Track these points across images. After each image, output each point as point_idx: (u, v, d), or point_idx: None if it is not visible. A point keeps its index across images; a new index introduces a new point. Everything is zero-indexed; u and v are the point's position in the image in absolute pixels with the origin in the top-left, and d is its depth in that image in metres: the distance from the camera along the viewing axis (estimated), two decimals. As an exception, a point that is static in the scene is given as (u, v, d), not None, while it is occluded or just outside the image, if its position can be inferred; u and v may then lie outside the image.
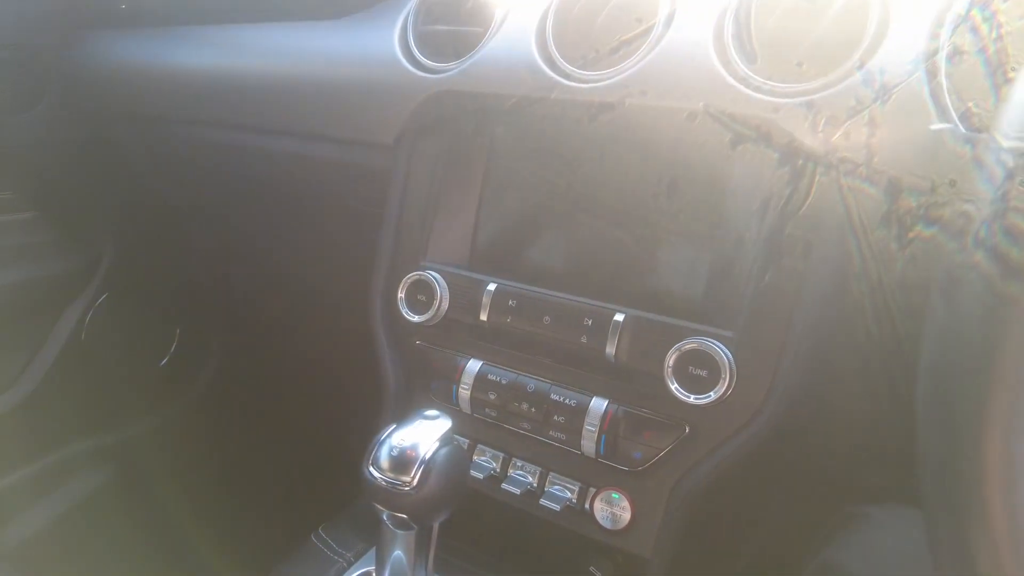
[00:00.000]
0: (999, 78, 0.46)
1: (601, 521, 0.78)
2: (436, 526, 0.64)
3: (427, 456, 0.58)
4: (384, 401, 0.91)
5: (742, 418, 0.71)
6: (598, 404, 0.78)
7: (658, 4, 0.77)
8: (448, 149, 0.92)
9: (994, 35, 0.48)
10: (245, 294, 1.68)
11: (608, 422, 0.77)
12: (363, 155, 1.02)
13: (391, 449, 0.59)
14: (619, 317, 0.77)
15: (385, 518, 0.61)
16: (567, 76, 0.80)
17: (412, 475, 0.57)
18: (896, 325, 0.62)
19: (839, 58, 0.65)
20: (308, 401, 1.55)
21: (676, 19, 0.76)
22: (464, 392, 0.86)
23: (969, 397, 0.35)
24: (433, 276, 0.88)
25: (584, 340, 0.79)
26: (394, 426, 0.61)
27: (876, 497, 0.72)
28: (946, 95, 0.53)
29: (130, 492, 1.47)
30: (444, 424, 0.62)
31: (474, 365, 0.86)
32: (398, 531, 0.62)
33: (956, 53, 0.50)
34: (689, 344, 0.72)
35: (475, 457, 0.87)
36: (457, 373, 0.86)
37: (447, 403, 0.88)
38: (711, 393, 0.71)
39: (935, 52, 0.53)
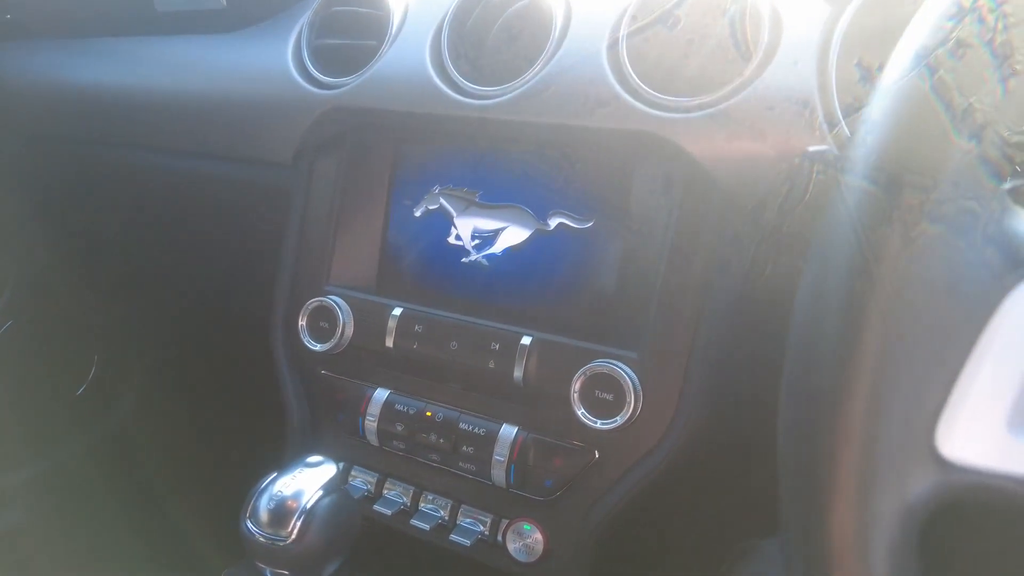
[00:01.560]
0: (1005, 71, 0.44)
1: (514, 554, 0.74)
2: (326, 577, 0.59)
3: (308, 506, 0.54)
4: (287, 436, 0.87)
5: (649, 443, 0.69)
6: (507, 432, 0.75)
7: (552, 15, 0.74)
8: (350, 167, 0.88)
9: (1001, 26, 0.46)
10: (158, 321, 1.59)
11: (518, 450, 0.74)
12: (263, 174, 0.97)
13: (269, 501, 0.54)
14: (526, 340, 0.74)
15: (268, 575, 0.57)
16: (461, 92, 0.76)
17: (291, 528, 0.53)
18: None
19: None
20: (219, 434, 1.48)
21: (571, 30, 0.73)
22: (371, 424, 0.81)
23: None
24: (335, 302, 0.84)
25: (492, 365, 0.76)
26: (274, 474, 0.57)
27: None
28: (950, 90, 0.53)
29: (31, 536, 1.37)
30: (328, 471, 0.57)
31: (381, 394, 0.82)
32: (281, 588, 0.57)
33: (960, 46, 0.48)
34: (594, 367, 0.69)
35: (384, 491, 0.83)
36: (363, 404, 0.82)
37: (354, 436, 0.84)
38: (617, 418, 0.68)
39: (937, 46, 0.50)
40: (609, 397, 0.69)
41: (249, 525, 0.54)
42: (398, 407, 0.80)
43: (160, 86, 1.01)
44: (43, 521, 1.43)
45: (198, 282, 1.32)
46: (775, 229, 0.60)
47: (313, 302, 0.85)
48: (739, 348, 0.67)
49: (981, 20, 0.48)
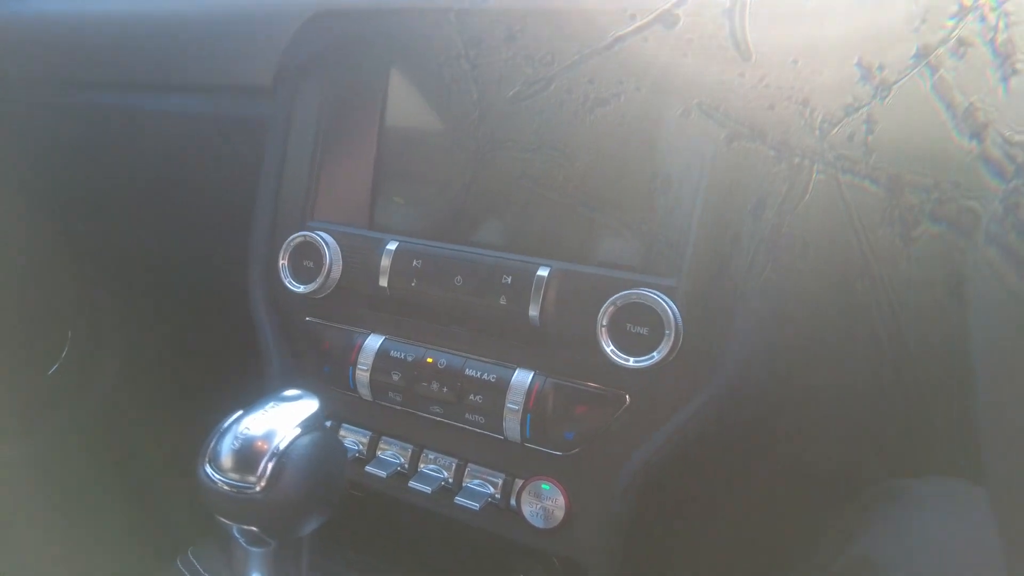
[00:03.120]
0: (1007, 70, 0.45)
1: (530, 519, 0.64)
2: (306, 540, 0.49)
3: (282, 447, 0.43)
4: (266, 392, 0.76)
5: (691, 384, 0.59)
6: (522, 378, 0.64)
7: None
8: (337, 90, 0.77)
9: (1002, 24, 0.47)
10: (133, 288, 1.48)
11: (534, 398, 0.63)
12: (241, 105, 0.86)
13: (234, 440, 0.44)
14: (543, 272, 0.64)
15: (235, 533, 0.46)
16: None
17: (260, 473, 0.42)
18: (899, 320, 0.58)
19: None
20: (206, 411, 1.36)
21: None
22: (362, 374, 0.71)
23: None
24: (320, 237, 0.73)
25: (503, 302, 0.65)
26: (240, 412, 0.46)
27: (859, 485, 0.64)
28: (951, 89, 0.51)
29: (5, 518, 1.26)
30: (308, 406, 0.47)
31: (374, 341, 0.71)
32: (252, 549, 0.46)
33: (961, 45, 0.49)
34: (626, 296, 0.59)
35: (378, 452, 0.72)
36: (353, 352, 0.71)
37: (344, 389, 0.73)
38: (654, 354, 0.58)
39: (938, 45, 0.52)
40: (643, 331, 0.59)
41: (208, 471, 0.43)
42: (394, 354, 0.70)
43: (120, 11, 0.90)
44: (17, 504, 1.32)
45: (174, 240, 1.21)
46: (775, 229, 0.56)
47: (295, 237, 0.74)
48: (792, 279, 0.58)
49: (983, 19, 0.48)
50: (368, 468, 0.70)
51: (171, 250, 1.24)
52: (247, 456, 0.43)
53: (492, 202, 0.71)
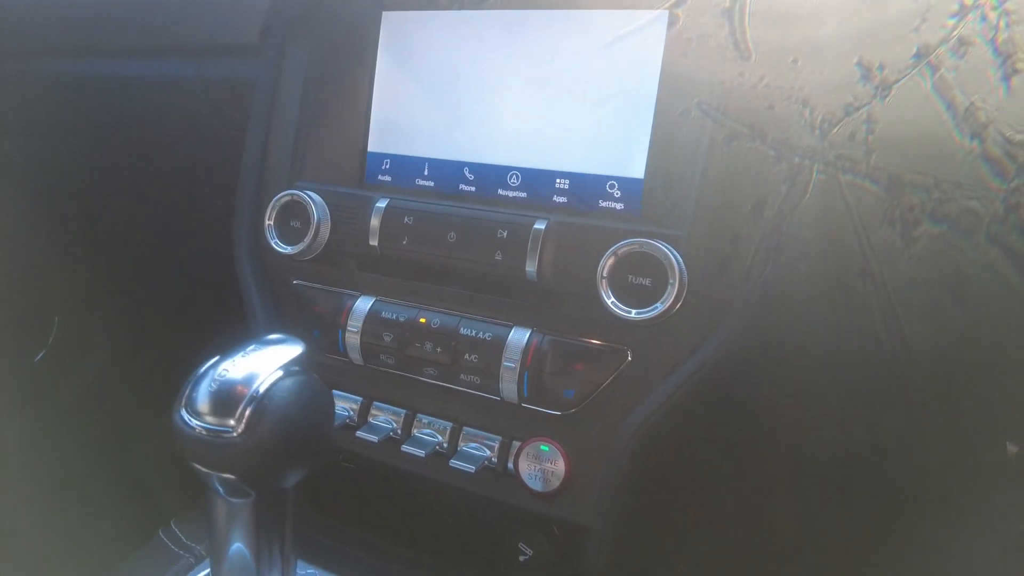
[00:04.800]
0: (1008, 69, 0.45)
1: (528, 482, 0.61)
2: (292, 493, 0.46)
3: (261, 390, 0.41)
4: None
5: (695, 337, 0.56)
6: (519, 335, 0.62)
7: None
8: (326, 45, 0.74)
9: (1003, 23, 0.47)
10: (121, 267, 1.44)
11: (532, 356, 0.61)
12: (224, 66, 0.83)
13: (211, 383, 0.41)
14: (540, 225, 0.61)
15: (215, 484, 0.43)
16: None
17: (238, 416, 0.40)
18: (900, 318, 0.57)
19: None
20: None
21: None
22: (352, 337, 0.68)
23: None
24: (308, 196, 0.70)
25: (499, 258, 0.63)
26: (218, 357, 0.43)
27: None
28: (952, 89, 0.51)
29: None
30: (292, 350, 0.44)
31: (364, 303, 0.68)
32: (233, 500, 0.43)
33: (961, 44, 0.49)
34: (628, 245, 0.56)
35: (370, 418, 0.69)
36: (343, 315, 0.69)
37: (334, 354, 0.70)
38: (657, 304, 0.55)
39: (939, 44, 0.52)
40: (646, 282, 0.56)
41: (184, 416, 0.40)
42: (385, 315, 0.67)
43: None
44: (4, 484, 1.29)
45: (161, 213, 1.18)
46: (775, 229, 0.55)
47: (283, 196, 0.71)
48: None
49: (983, 18, 0.48)
50: (359, 433, 0.67)
51: (158, 224, 1.21)
52: (225, 399, 0.40)
53: (486, 152, 0.68)
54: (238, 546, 0.44)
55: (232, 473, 0.41)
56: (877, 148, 0.54)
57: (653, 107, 0.60)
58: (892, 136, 0.53)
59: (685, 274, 0.55)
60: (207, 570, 0.56)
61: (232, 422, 0.40)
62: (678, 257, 0.55)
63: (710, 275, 0.56)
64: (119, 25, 0.87)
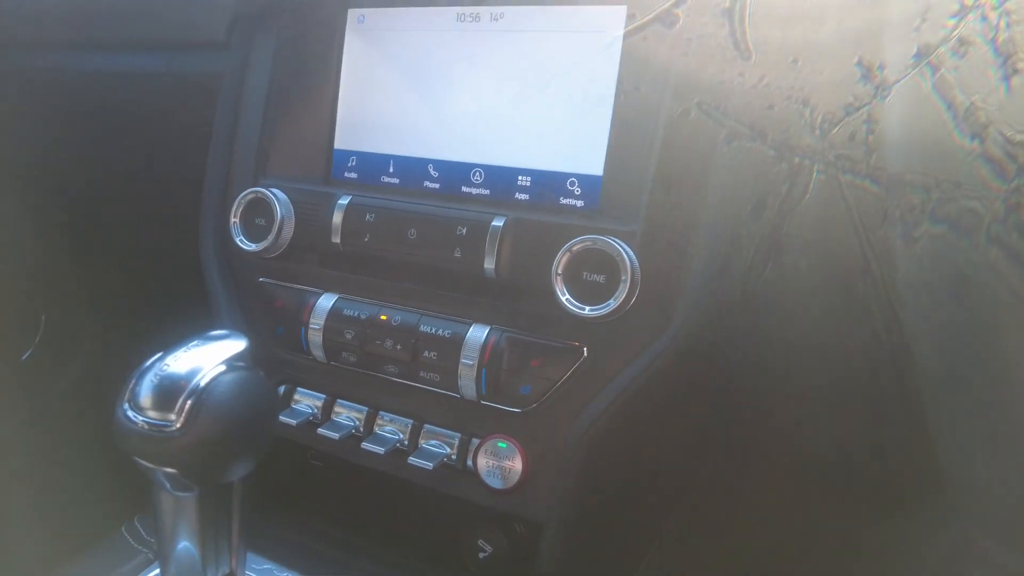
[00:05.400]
0: (1008, 69, 0.44)
1: (486, 479, 0.61)
2: (238, 487, 0.46)
3: (202, 384, 0.41)
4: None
5: (646, 336, 0.56)
6: (477, 333, 0.62)
7: None
8: (292, 41, 0.74)
9: (1003, 23, 0.46)
10: (105, 264, 1.43)
11: (489, 353, 0.61)
12: (192, 61, 0.83)
13: (153, 378, 0.41)
14: (498, 222, 0.61)
15: (160, 478, 0.43)
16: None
17: (178, 410, 0.40)
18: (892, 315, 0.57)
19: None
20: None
21: None
22: (315, 335, 0.68)
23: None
24: (273, 193, 0.71)
25: (458, 254, 0.63)
26: (160, 353, 0.43)
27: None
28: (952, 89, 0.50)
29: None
30: (235, 345, 0.44)
31: (326, 301, 0.69)
32: (177, 495, 0.44)
33: (962, 44, 0.49)
34: (582, 242, 0.57)
35: (333, 416, 0.69)
36: (306, 312, 0.69)
37: (297, 352, 0.70)
38: (610, 301, 0.56)
39: (939, 44, 0.51)
40: (600, 279, 0.56)
41: (126, 411, 0.41)
42: (347, 312, 0.67)
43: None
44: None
45: (135, 209, 1.17)
46: (775, 229, 0.56)
47: (248, 194, 0.72)
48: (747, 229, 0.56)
49: (984, 18, 0.48)
50: (320, 430, 0.67)
51: (136, 222, 1.20)
52: (166, 393, 0.40)
53: (450, 149, 0.68)
54: (184, 543, 0.44)
55: (173, 467, 0.41)
56: (877, 148, 0.54)
57: (611, 105, 0.60)
58: (892, 136, 0.53)
59: (638, 271, 0.55)
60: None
61: (172, 416, 0.40)
62: (631, 253, 0.55)
63: (662, 272, 0.56)
64: (88, 18, 0.87)
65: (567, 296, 0.57)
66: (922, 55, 0.51)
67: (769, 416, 0.67)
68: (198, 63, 0.82)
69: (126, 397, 0.41)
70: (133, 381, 0.42)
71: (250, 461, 0.44)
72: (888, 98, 0.53)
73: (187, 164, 0.91)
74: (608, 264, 0.56)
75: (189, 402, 0.40)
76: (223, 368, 0.42)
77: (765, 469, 0.72)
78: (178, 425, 0.40)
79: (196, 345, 0.43)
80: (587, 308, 0.56)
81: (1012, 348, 0.33)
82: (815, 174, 0.56)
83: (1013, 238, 0.34)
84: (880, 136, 0.54)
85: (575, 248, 0.57)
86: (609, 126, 0.60)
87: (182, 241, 1.06)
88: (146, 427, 0.40)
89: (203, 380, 0.41)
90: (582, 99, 0.62)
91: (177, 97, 0.86)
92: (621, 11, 0.60)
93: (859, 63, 0.55)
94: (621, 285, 0.55)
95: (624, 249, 0.55)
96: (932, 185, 0.49)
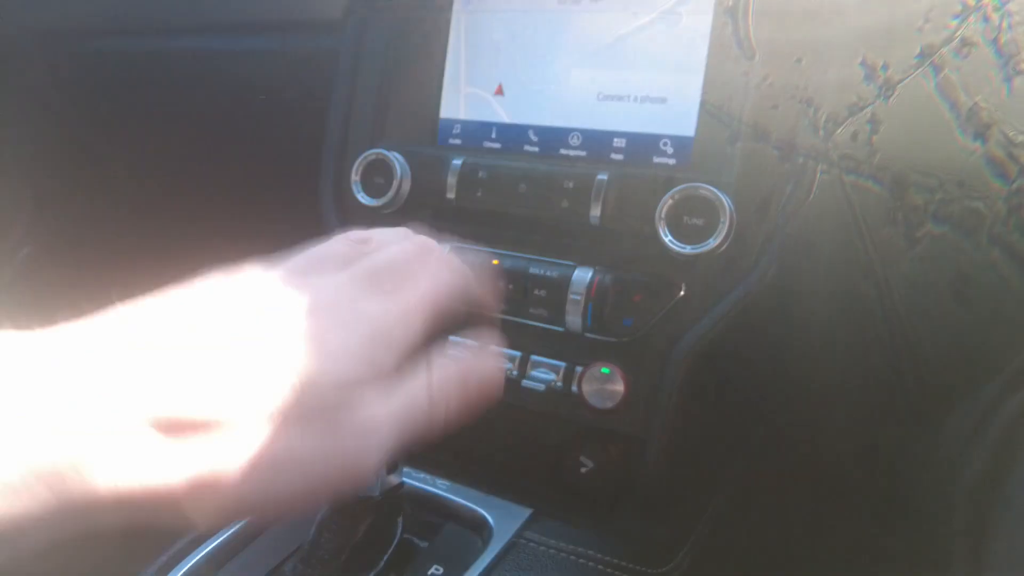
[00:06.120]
0: (1011, 70, 0.45)
1: (591, 400, 0.70)
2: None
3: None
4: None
5: (739, 271, 0.65)
6: (583, 273, 0.70)
7: None
8: (406, 20, 0.83)
9: (1005, 24, 0.47)
10: (189, 248, 1.50)
11: (595, 290, 0.69)
12: (306, 39, 0.92)
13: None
14: (603, 176, 0.70)
15: None
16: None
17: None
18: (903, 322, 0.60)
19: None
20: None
21: None
22: (431, 279, 0.77)
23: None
24: (392, 155, 0.79)
25: (565, 205, 0.71)
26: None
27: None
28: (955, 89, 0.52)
29: None
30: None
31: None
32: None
33: (964, 45, 0.49)
34: (684, 189, 0.65)
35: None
36: (423, 259, 0.77)
37: (412, 295, 0.79)
38: (710, 240, 0.64)
39: (942, 45, 0.52)
40: (699, 222, 0.65)
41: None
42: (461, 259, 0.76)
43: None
44: None
45: (232, 189, 1.25)
46: (778, 229, 0.58)
47: (370, 154, 0.80)
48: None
49: (986, 19, 0.48)
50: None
51: (234, 202, 1.27)
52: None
53: (548, 116, 0.77)
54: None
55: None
56: (881, 148, 0.55)
57: (703, 73, 0.69)
58: (895, 136, 0.54)
59: (734, 216, 0.64)
60: None
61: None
62: (728, 200, 0.64)
63: (751, 219, 0.64)
64: (207, 2, 0.96)
65: (670, 237, 0.65)
66: (925, 56, 0.53)
67: (768, 416, 0.72)
68: (312, 41, 0.90)
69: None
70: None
71: None
72: (892, 98, 0.55)
73: (297, 133, 1.00)
74: (708, 208, 0.64)
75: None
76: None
77: (764, 469, 0.76)
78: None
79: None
80: (688, 247, 0.65)
81: (1013, 347, 0.34)
82: (819, 174, 0.58)
83: (1015, 238, 0.35)
84: (883, 136, 0.55)
85: (677, 195, 0.65)
86: (700, 92, 0.69)
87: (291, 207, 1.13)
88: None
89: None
90: (675, 69, 0.70)
91: (292, 77, 0.95)
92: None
93: (863, 63, 0.56)
94: (720, 226, 0.63)
95: (722, 196, 0.64)
96: (935, 185, 0.50)
